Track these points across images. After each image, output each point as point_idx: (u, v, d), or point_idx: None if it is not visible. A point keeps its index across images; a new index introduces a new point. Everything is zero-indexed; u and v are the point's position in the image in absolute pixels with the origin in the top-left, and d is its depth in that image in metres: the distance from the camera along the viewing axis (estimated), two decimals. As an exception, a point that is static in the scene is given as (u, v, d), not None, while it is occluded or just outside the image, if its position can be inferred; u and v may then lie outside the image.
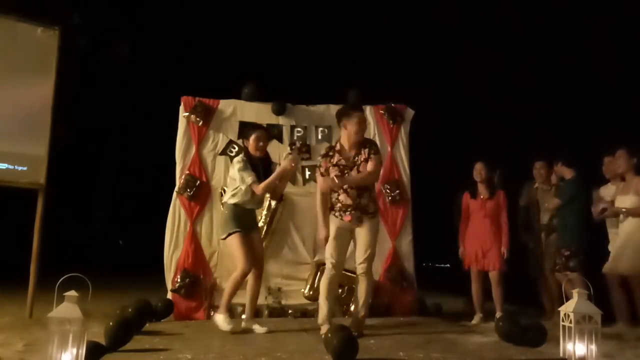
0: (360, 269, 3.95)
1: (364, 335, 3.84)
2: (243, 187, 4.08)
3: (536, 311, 5.44)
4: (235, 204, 4.11)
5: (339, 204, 3.97)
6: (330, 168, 3.95)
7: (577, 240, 4.81)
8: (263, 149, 4.24)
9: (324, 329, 3.78)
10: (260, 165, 4.18)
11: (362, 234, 3.96)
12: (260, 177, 4.10)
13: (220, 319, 4.02)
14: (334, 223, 4.00)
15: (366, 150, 3.93)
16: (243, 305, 4.93)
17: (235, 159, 4.23)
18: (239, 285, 4.06)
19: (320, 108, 5.54)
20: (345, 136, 3.98)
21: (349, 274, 5.15)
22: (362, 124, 3.96)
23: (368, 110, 5.54)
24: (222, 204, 4.37)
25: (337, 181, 3.87)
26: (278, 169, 4.15)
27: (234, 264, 5.00)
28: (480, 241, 5.02)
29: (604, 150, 5.01)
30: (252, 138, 4.21)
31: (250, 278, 4.13)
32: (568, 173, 4.94)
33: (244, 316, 4.26)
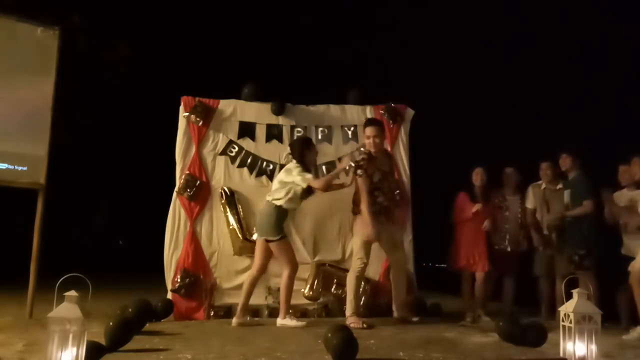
0: (398, 266, 4.69)
1: (411, 321, 4.57)
2: (299, 189, 4.34)
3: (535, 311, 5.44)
4: (287, 209, 4.38)
5: (375, 205, 4.52)
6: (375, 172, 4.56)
7: (593, 238, 4.84)
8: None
9: (351, 319, 4.32)
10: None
11: (390, 234, 4.62)
12: None
13: (289, 322, 4.29)
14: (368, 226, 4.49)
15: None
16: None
17: (292, 164, 4.49)
18: (293, 284, 4.40)
19: (320, 108, 5.54)
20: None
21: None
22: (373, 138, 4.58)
23: (368, 110, 5.55)
24: (271, 202, 4.42)
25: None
26: (338, 168, 4.65)
27: (234, 263, 5.04)
28: (476, 245, 5.08)
29: (609, 152, 5.02)
30: (314, 150, 4.63)
31: (250, 277, 4.53)
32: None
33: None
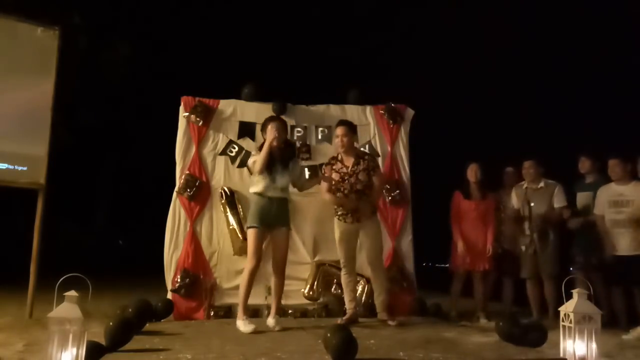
0: (371, 265, 4.49)
1: (388, 322, 4.38)
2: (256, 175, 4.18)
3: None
4: (256, 193, 4.19)
5: (341, 208, 4.44)
6: (333, 174, 4.43)
7: (600, 242, 4.86)
8: (279, 139, 4.26)
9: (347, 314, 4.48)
10: (278, 157, 4.23)
11: (366, 233, 4.44)
12: (277, 167, 4.18)
13: (240, 324, 4.04)
14: (338, 226, 4.48)
15: (365, 162, 4.41)
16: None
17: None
18: (249, 282, 4.13)
19: (320, 108, 5.53)
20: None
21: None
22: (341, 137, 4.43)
23: (368, 110, 5.55)
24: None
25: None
26: (265, 145, 4.18)
27: (234, 263, 5.04)
28: (473, 242, 5.07)
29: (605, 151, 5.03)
30: (268, 129, 4.26)
31: (272, 277, 4.35)
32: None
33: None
